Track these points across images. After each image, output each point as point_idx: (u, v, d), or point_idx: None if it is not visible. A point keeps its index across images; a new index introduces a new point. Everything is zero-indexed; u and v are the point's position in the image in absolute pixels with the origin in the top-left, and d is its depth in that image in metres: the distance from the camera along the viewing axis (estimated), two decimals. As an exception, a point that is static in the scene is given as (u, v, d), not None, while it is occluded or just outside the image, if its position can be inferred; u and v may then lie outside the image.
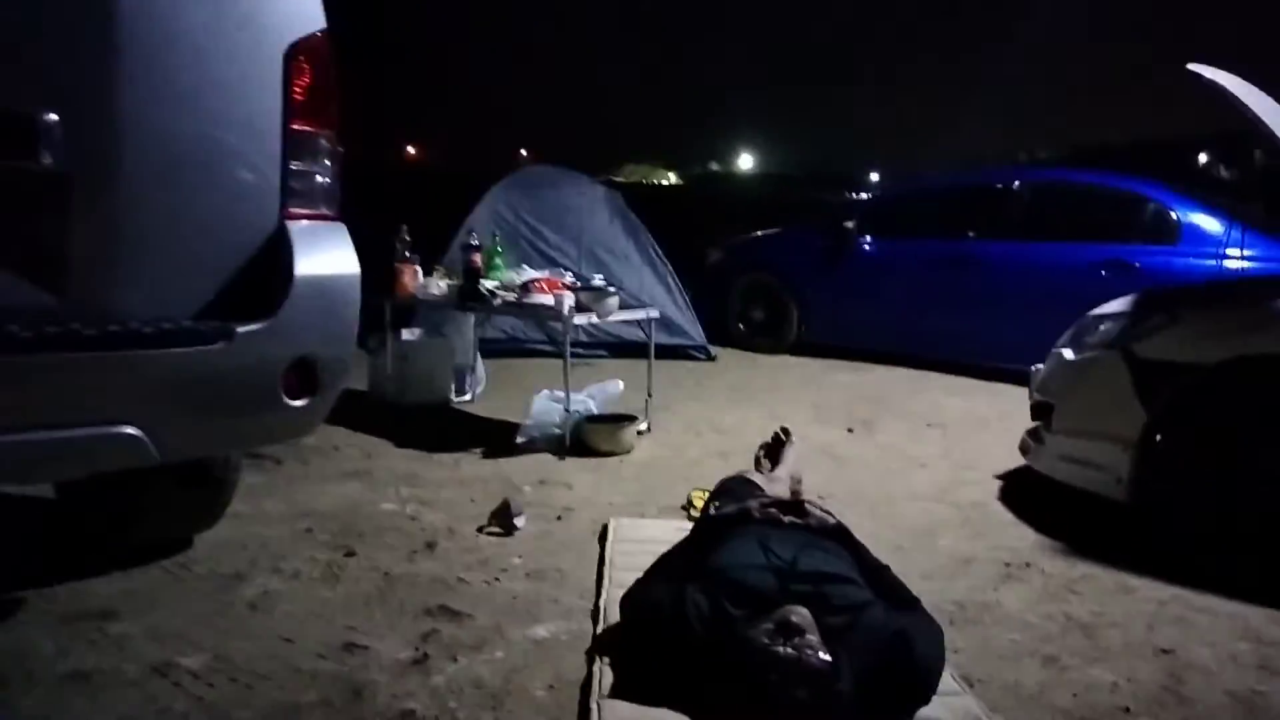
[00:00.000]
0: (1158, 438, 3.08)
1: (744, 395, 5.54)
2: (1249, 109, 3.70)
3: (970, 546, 3.12)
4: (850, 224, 7.00)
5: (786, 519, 2.40)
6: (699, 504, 3.17)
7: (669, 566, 2.33)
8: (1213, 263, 5.47)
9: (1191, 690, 2.19)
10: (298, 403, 2.14)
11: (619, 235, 6.64)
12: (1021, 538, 3.23)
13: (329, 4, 2.27)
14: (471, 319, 5.25)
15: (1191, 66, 3.90)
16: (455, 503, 3.39)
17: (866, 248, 6.91)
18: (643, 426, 4.45)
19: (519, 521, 3.11)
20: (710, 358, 6.58)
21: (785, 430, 3.70)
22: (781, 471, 3.38)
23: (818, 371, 6.41)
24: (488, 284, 4.47)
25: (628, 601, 2.26)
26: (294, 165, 2.19)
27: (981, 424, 4.90)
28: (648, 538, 2.86)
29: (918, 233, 6.80)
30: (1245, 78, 3.87)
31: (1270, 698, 2.17)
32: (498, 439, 4.20)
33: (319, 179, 2.26)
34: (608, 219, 6.72)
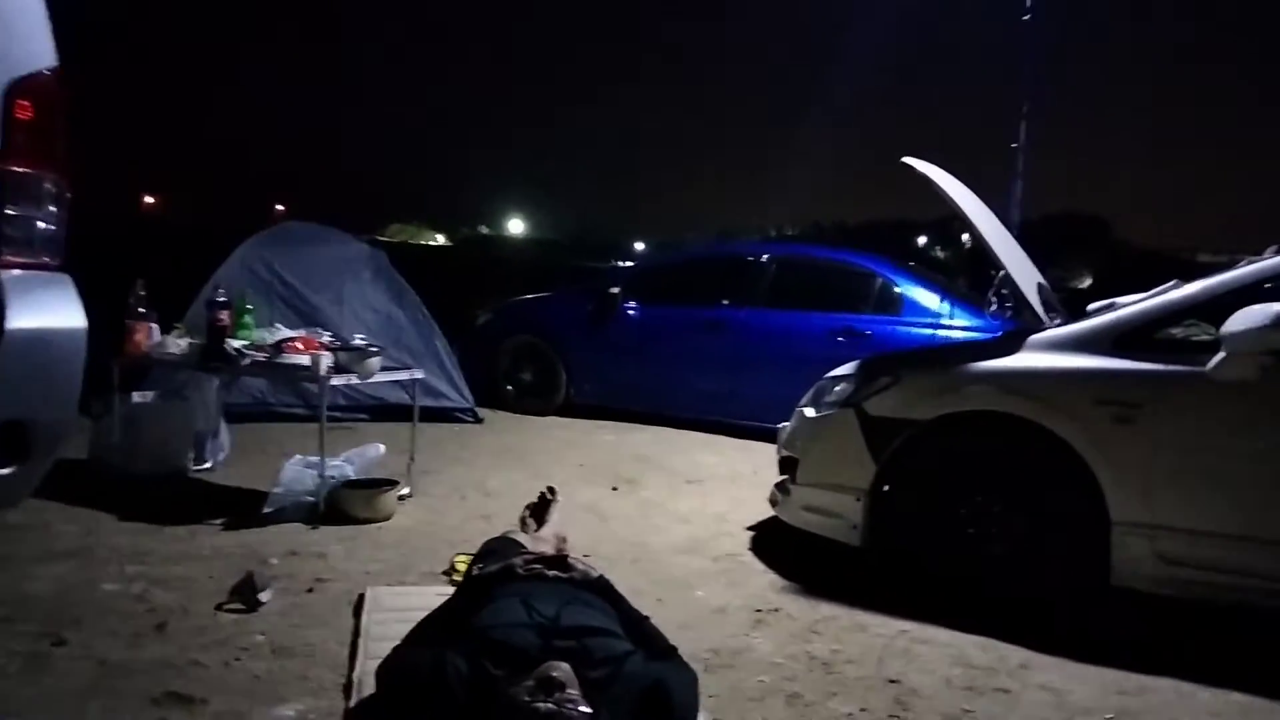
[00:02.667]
0: (885, 487, 3.42)
1: (511, 457, 5.51)
2: (951, 198, 4.25)
3: (725, 595, 3.27)
4: (615, 289, 7.24)
5: (550, 574, 2.41)
6: (462, 568, 3.10)
7: (428, 631, 2.26)
8: (929, 331, 6.17)
9: (914, 715, 2.41)
10: (2, 471, 1.90)
11: (382, 295, 6.46)
12: (771, 585, 3.43)
13: (69, 46, 2.11)
14: (215, 381, 4.87)
15: (905, 159, 4.43)
16: (190, 579, 3.09)
17: (631, 312, 7.17)
18: (404, 491, 4.30)
19: (264, 596, 2.89)
20: (477, 420, 6.51)
21: (551, 490, 3.72)
22: (547, 531, 3.39)
23: (585, 432, 6.52)
24: (235, 343, 4.19)
25: (384, 670, 2.16)
26: (9, 209, 1.98)
27: (736, 479, 5.18)
28: (407, 606, 2.75)
29: (678, 299, 7.15)
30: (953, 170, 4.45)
31: (977, 715, 2.43)
32: (243, 509, 3.90)
33: (39, 224, 2.05)
34: (371, 278, 6.52)
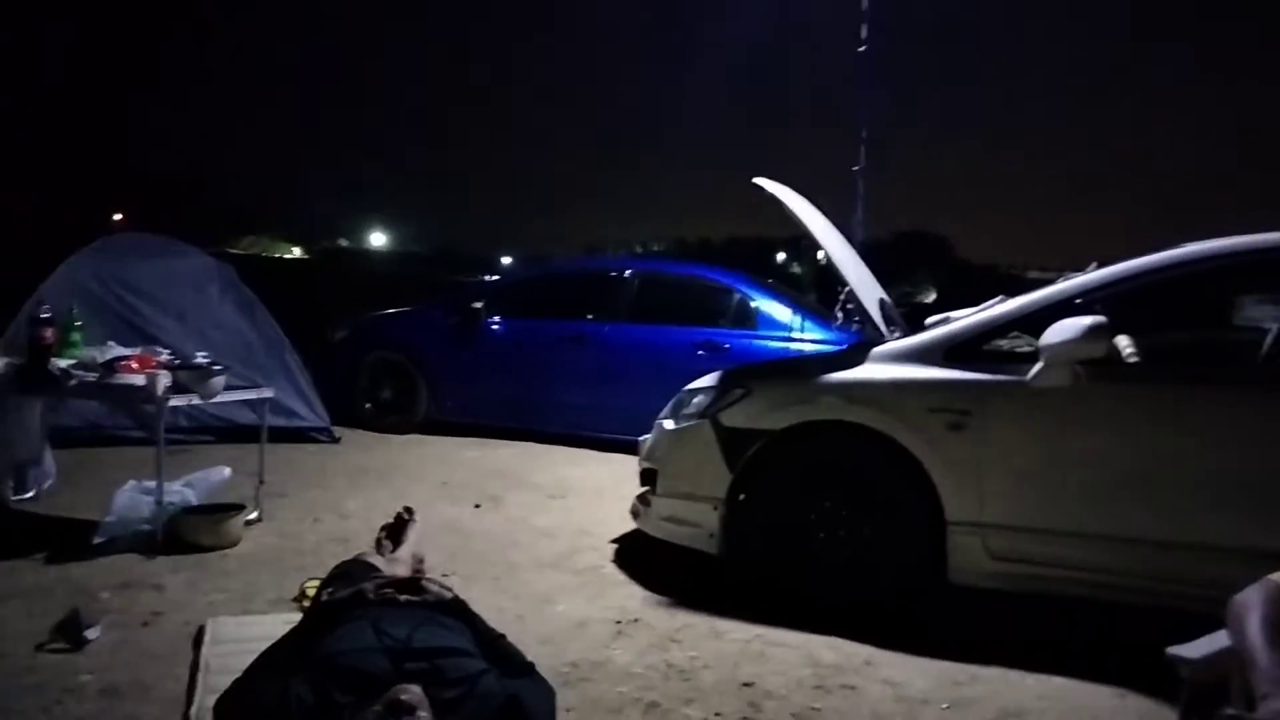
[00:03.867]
0: (740, 496, 3.52)
1: (369, 477, 5.35)
2: (798, 217, 4.42)
3: (586, 609, 3.28)
4: (479, 304, 7.17)
5: (403, 598, 2.36)
6: (313, 594, 2.99)
7: (273, 661, 2.17)
8: (783, 344, 6.40)
9: (766, 716, 2.49)
10: None
11: (230, 310, 6.15)
12: (632, 596, 3.47)
13: None
14: (38, 404, 4.51)
15: (756, 179, 4.59)
16: (6, 619, 2.85)
17: (495, 327, 7.11)
18: (252, 516, 4.11)
19: (91, 633, 2.70)
20: (334, 439, 6.29)
21: (408, 509, 3.63)
22: (404, 552, 3.31)
23: (448, 449, 6.40)
24: (60, 363, 3.90)
25: (223, 704, 2.06)
26: None
27: (600, 493, 5.21)
28: (252, 636, 2.62)
29: (542, 313, 7.14)
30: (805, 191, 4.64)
31: (824, 712, 2.54)
32: (69, 540, 3.63)
33: None
34: (218, 293, 6.21)
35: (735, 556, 3.51)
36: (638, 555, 3.95)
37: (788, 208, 4.45)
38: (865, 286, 4.36)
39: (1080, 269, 3.81)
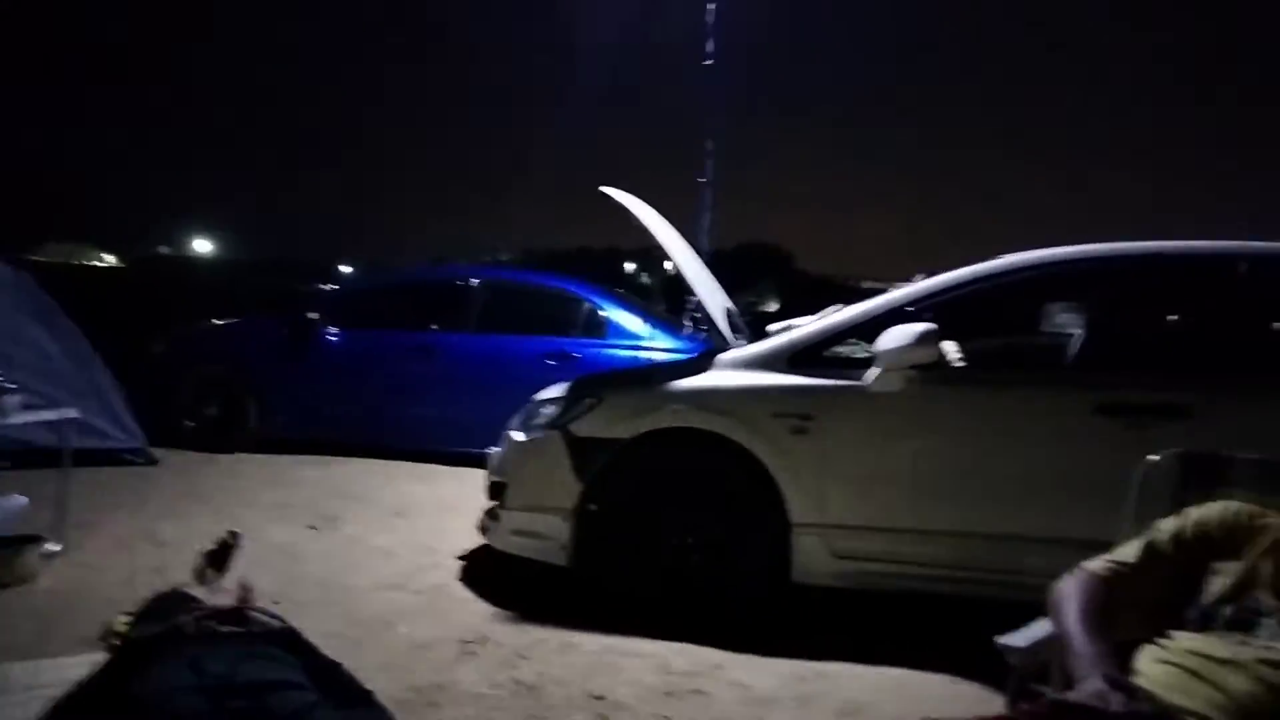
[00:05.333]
0: (591, 506, 3.47)
1: (191, 500, 4.96)
2: (646, 226, 4.45)
3: (429, 630, 3.14)
4: (315, 314, 6.82)
5: (226, 630, 2.17)
6: (123, 631, 2.71)
7: (70, 709, 1.94)
8: (633, 353, 6.42)
9: (618, 729, 2.45)
10: None
11: (28, 323, 5.56)
12: (479, 614, 3.35)
13: None
14: None
15: (603, 188, 4.58)
16: None
17: (333, 338, 6.78)
18: (51, 548, 3.70)
19: None
20: (150, 461, 5.79)
21: (233, 533, 3.37)
22: (228, 580, 3.06)
23: (281, 468, 6.03)
24: None
25: (8, 765, 1.81)
26: None
27: (446, 509, 5.03)
28: (48, 682, 2.33)
29: (385, 324, 6.87)
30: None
31: (674, 718, 2.52)
32: None
33: None
34: (13, 304, 5.60)
35: (587, 568, 3.46)
36: (486, 572, 3.84)
37: (635, 217, 4.47)
38: (712, 295, 4.42)
39: (908, 279, 4.01)
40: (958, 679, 2.86)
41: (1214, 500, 1.66)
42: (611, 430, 3.51)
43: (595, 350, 6.45)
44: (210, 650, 2.04)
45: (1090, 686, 1.29)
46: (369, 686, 2.12)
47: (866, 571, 3.28)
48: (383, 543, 4.29)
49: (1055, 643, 1.54)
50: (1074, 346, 3.55)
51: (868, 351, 3.42)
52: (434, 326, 6.74)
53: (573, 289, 6.95)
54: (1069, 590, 1.57)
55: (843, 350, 3.67)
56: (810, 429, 3.31)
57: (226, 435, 6.64)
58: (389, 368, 6.60)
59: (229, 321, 7.62)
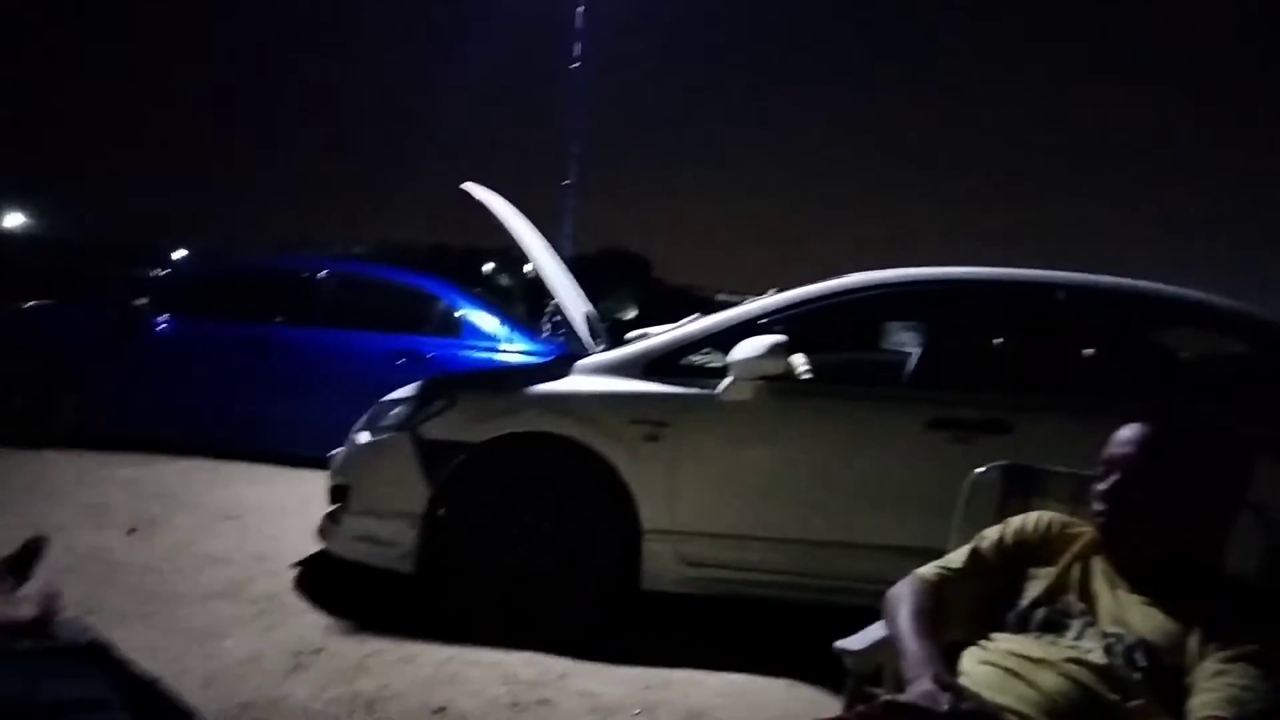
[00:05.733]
0: (440, 511, 3.38)
1: (-9, 500, 4.50)
2: (507, 225, 4.39)
3: (260, 642, 2.97)
4: (143, 301, 6.35)
5: (25, 644, 1.97)
6: (-101, 646, 2.42)
7: None
8: (489, 354, 6.32)
9: (459, 741, 2.38)
10: None
11: None
12: (315, 625, 3.19)
13: None
14: None
15: (465, 185, 4.49)
16: None
17: (163, 327, 6.33)
18: None
19: None
20: (-56, 456, 5.23)
21: (37, 539, 3.07)
22: (30, 588, 2.78)
23: (97, 466, 5.56)
24: None
25: None
26: None
27: (282, 512, 4.78)
28: None
29: (223, 315, 6.47)
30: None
31: (520, 731, 2.48)
32: None
33: None
34: None
35: (432, 576, 3.37)
36: (323, 580, 3.66)
37: (496, 215, 4.40)
38: (572, 300, 4.41)
39: (761, 293, 4.13)
40: (796, 683, 2.95)
41: (1031, 510, 1.78)
42: (464, 434, 3.43)
43: (449, 351, 6.30)
44: (8, 667, 1.85)
45: (920, 687, 1.35)
46: (192, 704, 1.98)
47: (714, 578, 3.34)
48: (210, 548, 4.02)
49: (889, 645, 1.60)
50: (910, 364, 3.75)
51: (722, 362, 3.50)
52: (277, 319, 6.41)
53: (427, 286, 6.77)
54: (902, 594, 1.64)
55: (697, 359, 3.74)
56: (663, 436, 3.35)
57: (35, 429, 6.07)
58: (226, 361, 6.22)
59: (40, 304, 6.99)
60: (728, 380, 3.33)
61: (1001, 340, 3.92)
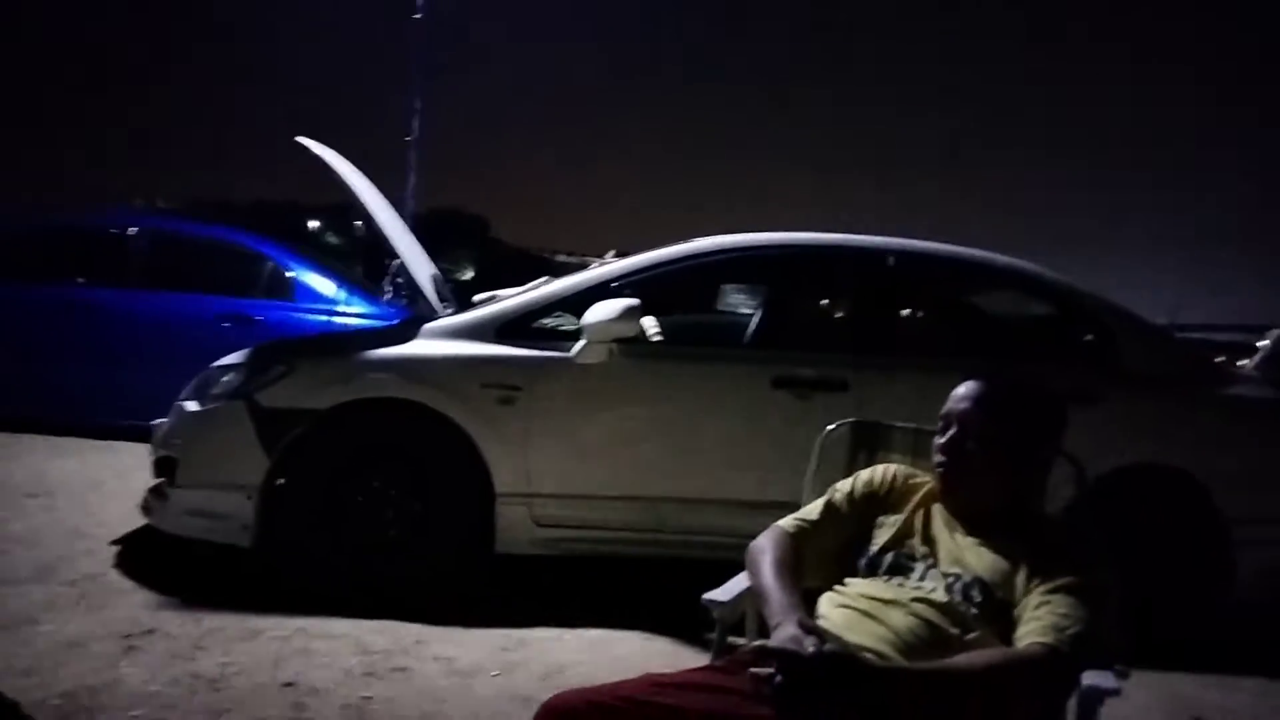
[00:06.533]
0: (279, 481, 3.22)
1: None
2: (346, 183, 4.19)
3: (83, 626, 2.75)
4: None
5: None
6: None
7: None
8: (325, 318, 6.03)
9: (313, 714, 2.31)
10: None
11: None
12: (144, 604, 2.99)
13: None
14: None
15: (300, 139, 4.24)
16: None
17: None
18: None
19: None
20: None
21: None
22: None
23: None
24: None
25: None
26: None
27: (98, 488, 4.42)
28: None
29: (21, 277, 5.83)
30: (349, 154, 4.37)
31: (375, 701, 2.43)
32: None
33: None
34: None
35: (272, 548, 3.22)
36: (150, 557, 3.43)
37: (334, 171, 4.21)
38: (417, 261, 4.28)
39: (601, 255, 4.16)
40: (652, 635, 3.04)
41: (877, 464, 1.90)
42: (306, 400, 3.28)
43: (280, 314, 5.98)
44: None
45: (785, 632, 1.42)
46: (12, 697, 1.82)
47: (569, 539, 3.37)
48: (18, 529, 3.67)
49: (753, 595, 1.68)
50: (752, 325, 3.89)
51: (575, 325, 3.50)
52: (80, 280, 5.88)
53: (253, 244, 6.36)
54: (763, 546, 1.72)
55: (549, 322, 3.72)
56: (517, 399, 3.33)
57: None
58: (22, 326, 5.65)
59: None
60: (581, 343, 3.34)
61: (838, 302, 4.13)
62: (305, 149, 4.22)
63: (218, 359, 3.64)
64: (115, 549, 3.53)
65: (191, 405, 3.43)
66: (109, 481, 4.51)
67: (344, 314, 6.08)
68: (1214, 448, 3.44)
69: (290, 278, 6.19)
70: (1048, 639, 1.41)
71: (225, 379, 3.43)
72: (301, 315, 6.01)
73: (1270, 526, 3.40)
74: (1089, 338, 3.85)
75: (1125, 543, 3.25)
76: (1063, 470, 1.82)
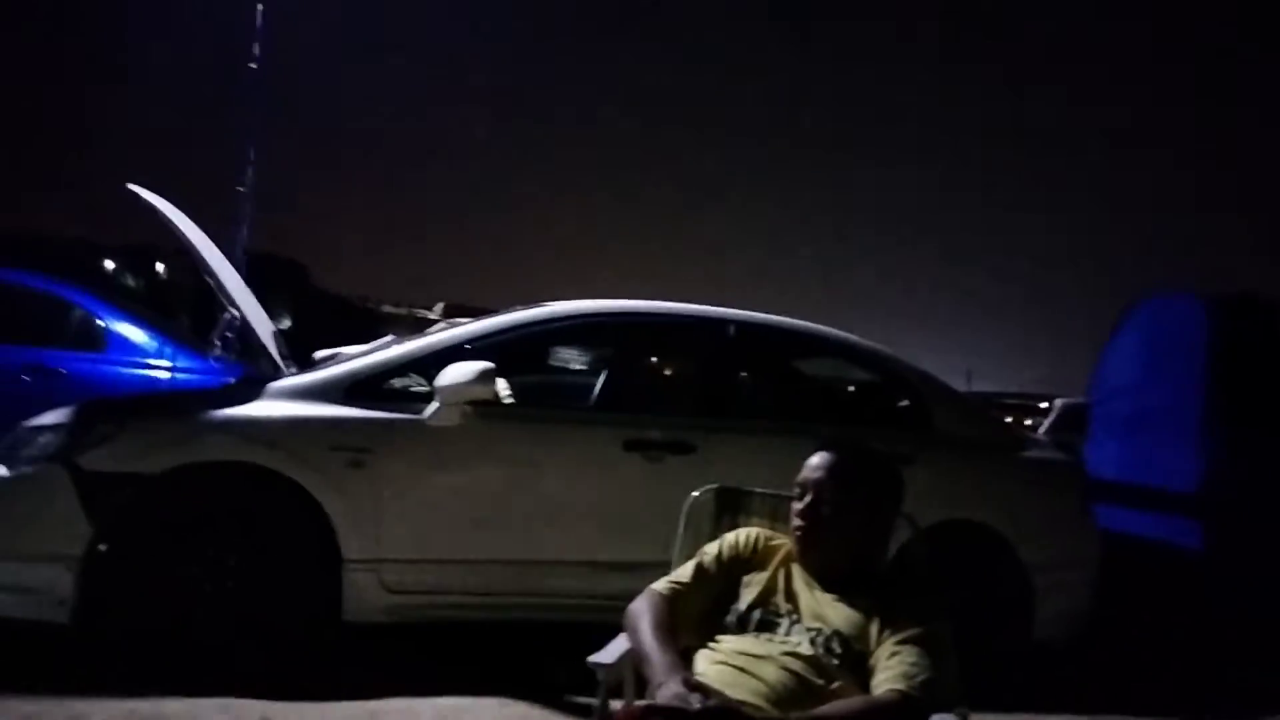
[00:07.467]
0: (102, 548, 3.01)
1: None
2: (182, 233, 4.00)
3: None
4: None
5: None
6: None
7: None
8: (141, 372, 5.64)
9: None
10: None
11: None
12: (-55, 694, 2.69)
13: None
14: None
15: (131, 186, 4.03)
16: None
17: None
18: None
19: None
20: None
21: None
22: None
23: None
24: None
25: None
26: None
27: None
28: None
29: None
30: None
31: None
32: None
33: None
34: None
35: (95, 623, 2.98)
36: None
37: (168, 220, 4.02)
38: (257, 316, 4.13)
39: (429, 307, 4.19)
40: (508, 700, 3.04)
41: (740, 527, 2.06)
42: (136, 464, 3.09)
43: (89, 366, 5.55)
44: None
45: (670, 690, 1.53)
46: None
47: (421, 604, 3.32)
48: None
49: (633, 656, 1.77)
50: (602, 388, 4.01)
51: (425, 386, 3.50)
52: None
53: (57, 289, 5.88)
54: (640, 609, 1.82)
55: (398, 384, 3.69)
56: (368, 462, 3.28)
57: None
58: None
59: None
60: (435, 405, 3.35)
61: (682, 368, 4.34)
62: (136, 196, 4.02)
63: (20, 415, 3.37)
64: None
65: (1, 470, 3.15)
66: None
67: (163, 368, 5.72)
68: (1015, 504, 3.87)
69: (101, 327, 5.76)
70: (901, 686, 1.59)
71: (42, 440, 3.18)
72: (113, 368, 5.60)
73: (1063, 572, 3.85)
74: (904, 403, 4.24)
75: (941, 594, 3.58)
76: (901, 525, 2.04)
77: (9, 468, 3.15)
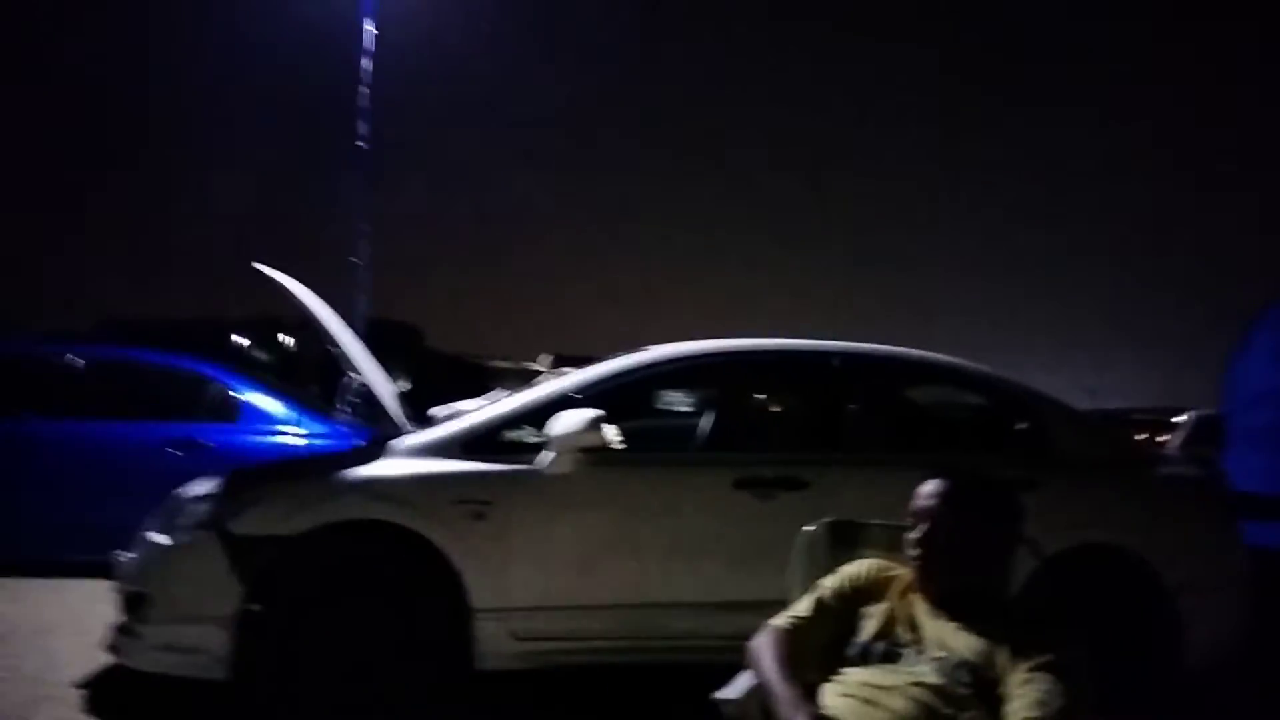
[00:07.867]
0: (254, 609, 3.21)
1: None
2: (305, 305, 4.28)
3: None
4: None
5: None
6: None
7: None
8: (274, 440, 5.99)
9: None
10: None
11: None
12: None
13: None
14: None
15: (257, 265, 4.34)
16: None
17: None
18: None
19: None
20: None
21: None
22: None
23: None
24: None
25: None
26: None
27: (53, 630, 4.25)
28: None
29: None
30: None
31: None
32: None
33: None
34: None
35: (249, 679, 3.18)
36: (122, 696, 3.34)
37: (291, 294, 4.30)
38: (378, 379, 4.36)
39: (534, 359, 4.31)
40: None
41: (855, 559, 2.06)
42: (279, 526, 3.30)
43: (229, 437, 5.93)
44: None
45: (795, 725, 1.55)
46: None
47: (548, 650, 3.40)
48: (-29, 680, 3.53)
49: (759, 691, 1.80)
50: (710, 428, 4.05)
51: (539, 437, 3.61)
52: (20, 412, 5.75)
53: (196, 366, 6.31)
54: (762, 645, 1.85)
55: (513, 435, 3.82)
56: (489, 514, 3.40)
57: None
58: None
59: None
60: (549, 454, 3.45)
61: (788, 404, 4.35)
62: (261, 274, 4.32)
63: (171, 484, 3.64)
64: (83, 693, 3.42)
65: (160, 537, 3.41)
66: (65, 623, 4.35)
67: (293, 434, 6.06)
68: (1150, 524, 3.69)
69: (235, 399, 6.15)
70: (1036, 714, 1.56)
71: (196, 509, 3.43)
72: (249, 438, 5.97)
73: (1210, 593, 3.64)
74: (1021, 425, 4.12)
75: (1078, 620, 3.44)
76: (1024, 552, 2.01)
77: (169, 536, 3.41)
